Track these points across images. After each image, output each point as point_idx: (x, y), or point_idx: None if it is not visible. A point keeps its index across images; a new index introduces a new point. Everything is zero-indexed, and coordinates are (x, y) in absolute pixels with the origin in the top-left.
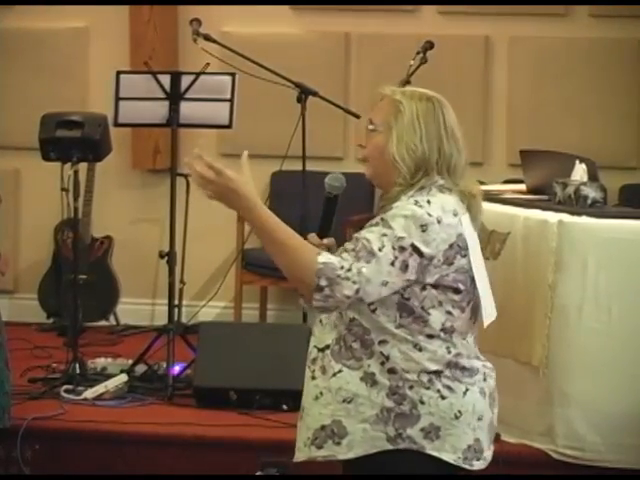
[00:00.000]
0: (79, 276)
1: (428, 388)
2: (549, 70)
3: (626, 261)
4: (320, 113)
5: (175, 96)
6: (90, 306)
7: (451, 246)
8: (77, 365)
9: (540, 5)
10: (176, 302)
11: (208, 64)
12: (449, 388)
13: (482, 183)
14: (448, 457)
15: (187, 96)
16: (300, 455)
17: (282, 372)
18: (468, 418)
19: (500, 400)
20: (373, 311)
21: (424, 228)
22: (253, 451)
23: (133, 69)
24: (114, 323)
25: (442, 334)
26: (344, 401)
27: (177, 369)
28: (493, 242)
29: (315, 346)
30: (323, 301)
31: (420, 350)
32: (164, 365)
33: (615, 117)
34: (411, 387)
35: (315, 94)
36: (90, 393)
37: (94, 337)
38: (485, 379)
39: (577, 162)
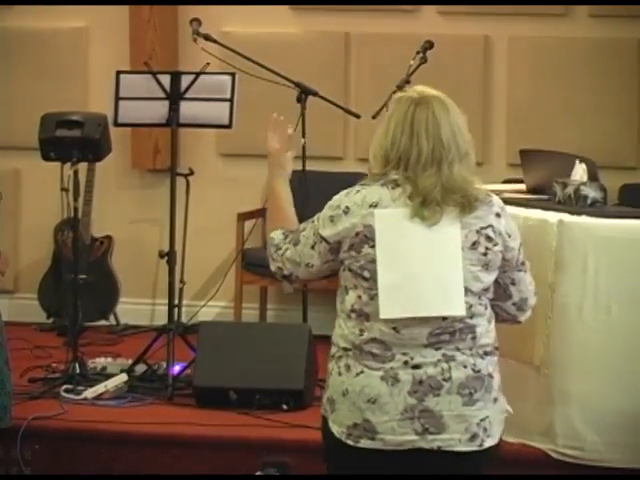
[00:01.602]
0: (79, 276)
1: (336, 363)
2: (548, 70)
3: (626, 261)
4: (320, 113)
5: (175, 96)
6: (90, 306)
7: (357, 234)
8: (77, 365)
9: (539, 5)
10: (176, 302)
11: (208, 64)
12: (347, 367)
13: (482, 183)
14: (335, 429)
15: (187, 96)
16: None
17: (282, 372)
18: (354, 397)
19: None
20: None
21: (332, 219)
22: (253, 451)
23: (133, 69)
24: (114, 323)
25: (353, 315)
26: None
27: (177, 369)
28: None
29: None
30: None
31: (340, 327)
32: (164, 365)
33: (615, 117)
34: (331, 358)
35: (315, 94)
36: (90, 393)
37: (94, 337)
38: (417, 367)
39: (577, 162)
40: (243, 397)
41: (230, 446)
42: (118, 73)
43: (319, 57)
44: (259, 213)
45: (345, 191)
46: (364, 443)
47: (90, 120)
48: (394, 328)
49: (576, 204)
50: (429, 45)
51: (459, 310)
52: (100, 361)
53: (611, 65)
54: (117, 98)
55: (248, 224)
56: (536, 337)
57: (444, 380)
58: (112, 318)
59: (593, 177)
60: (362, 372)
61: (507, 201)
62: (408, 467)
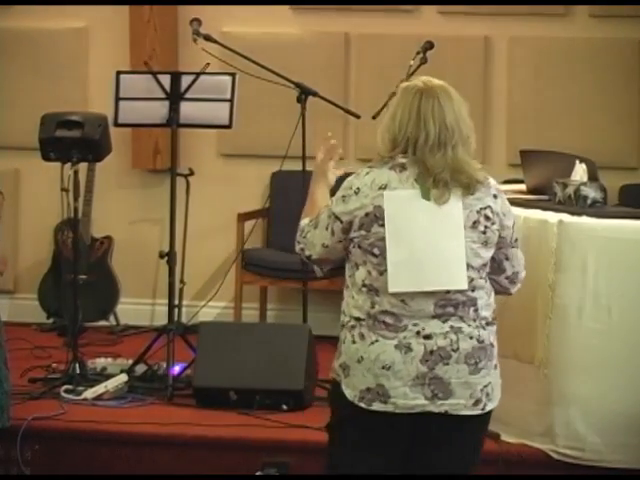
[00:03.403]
0: (79, 276)
1: (349, 331)
2: (549, 70)
3: (626, 261)
4: (320, 113)
5: (175, 96)
6: (90, 306)
7: (367, 214)
8: (77, 365)
9: (540, 5)
10: (176, 302)
11: (208, 64)
12: (361, 336)
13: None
14: (348, 393)
15: (187, 96)
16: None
17: (282, 372)
18: (368, 364)
19: (500, 400)
20: (345, 263)
21: (345, 199)
22: (253, 451)
23: (133, 69)
24: (114, 323)
25: (364, 289)
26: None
27: (177, 369)
28: None
29: None
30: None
31: (353, 298)
32: (164, 365)
33: (615, 117)
34: (342, 327)
35: (315, 94)
36: (90, 393)
37: (94, 337)
38: (428, 337)
39: (577, 162)
40: (243, 397)
41: (230, 446)
42: (118, 73)
43: (319, 57)
44: (259, 213)
45: (356, 173)
46: (377, 406)
47: (90, 120)
48: (402, 300)
49: (576, 204)
50: (429, 45)
51: (462, 284)
52: (100, 361)
53: (611, 65)
54: (117, 98)
55: (248, 224)
56: (536, 337)
57: (453, 351)
58: (112, 318)
59: (593, 177)
60: (377, 341)
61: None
62: (416, 428)
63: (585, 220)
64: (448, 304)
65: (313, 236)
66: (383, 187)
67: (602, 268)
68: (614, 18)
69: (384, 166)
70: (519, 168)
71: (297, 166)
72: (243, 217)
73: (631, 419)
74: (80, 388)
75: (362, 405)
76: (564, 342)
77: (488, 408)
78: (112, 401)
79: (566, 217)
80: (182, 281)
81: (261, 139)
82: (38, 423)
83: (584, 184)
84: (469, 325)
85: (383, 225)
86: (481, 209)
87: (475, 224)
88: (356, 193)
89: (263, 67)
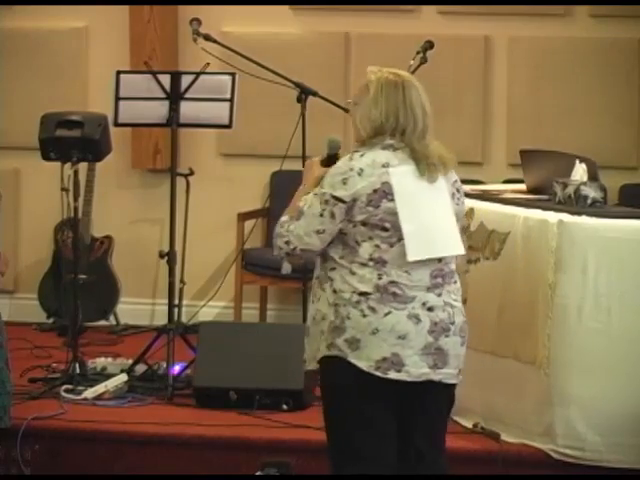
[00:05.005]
0: (79, 276)
1: (355, 307)
2: (549, 70)
3: (626, 261)
4: (320, 113)
5: (175, 96)
6: (90, 306)
7: (375, 191)
8: (77, 365)
9: (540, 5)
10: (176, 302)
11: (208, 64)
12: (372, 309)
13: (482, 183)
14: (362, 364)
15: (187, 96)
16: (310, 365)
17: (282, 372)
18: (384, 335)
19: (500, 400)
20: (328, 246)
21: (345, 180)
22: (253, 451)
23: (133, 69)
24: (114, 323)
25: (371, 263)
26: (322, 319)
27: (177, 369)
28: (493, 242)
29: (314, 276)
30: (273, 247)
31: (352, 274)
32: (164, 365)
33: (615, 117)
34: (344, 305)
35: (315, 94)
36: (90, 393)
37: (94, 337)
38: (431, 309)
39: (577, 162)
40: (243, 397)
41: (230, 446)
42: (118, 73)
43: (319, 57)
44: (259, 213)
45: (345, 158)
46: (392, 375)
47: (90, 120)
48: (406, 271)
49: (576, 204)
50: (429, 45)
51: (462, 249)
52: (100, 361)
53: (611, 65)
54: (117, 98)
55: (248, 224)
56: (536, 337)
57: (450, 324)
58: (112, 318)
59: (593, 177)
60: (390, 312)
61: (507, 201)
62: (419, 395)
63: (585, 220)
64: (439, 274)
65: (297, 227)
66: (386, 165)
67: (602, 268)
68: (614, 18)
69: (375, 147)
70: (519, 168)
71: (297, 166)
72: (243, 217)
73: (631, 419)
74: (80, 388)
75: (378, 374)
76: (564, 342)
77: (460, 378)
78: (112, 401)
79: (566, 217)
80: (182, 281)
81: (261, 139)
82: (38, 423)
83: (584, 184)
84: (456, 300)
85: (392, 200)
86: (454, 182)
87: (452, 196)
88: (359, 174)
89: (263, 67)
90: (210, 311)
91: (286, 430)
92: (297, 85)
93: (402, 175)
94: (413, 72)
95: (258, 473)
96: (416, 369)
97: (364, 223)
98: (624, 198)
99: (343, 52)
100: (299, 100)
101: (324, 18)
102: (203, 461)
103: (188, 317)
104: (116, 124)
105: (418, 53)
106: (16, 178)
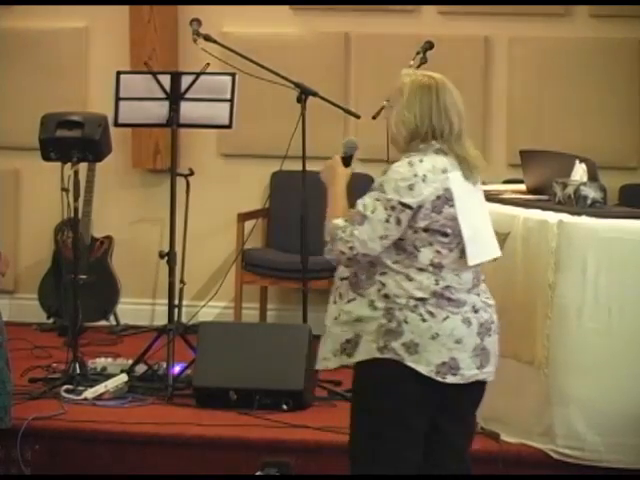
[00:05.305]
0: (79, 276)
1: (413, 311)
2: (549, 70)
3: (626, 261)
4: (320, 113)
5: (175, 96)
6: (90, 306)
7: (438, 197)
8: (77, 365)
9: (540, 5)
10: (176, 302)
11: (208, 64)
12: (431, 313)
13: (482, 183)
14: (421, 368)
15: (187, 96)
16: (330, 363)
17: (282, 372)
18: (444, 340)
19: (500, 400)
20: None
21: (411, 187)
22: (253, 451)
23: (133, 69)
24: (114, 323)
25: (430, 268)
26: (355, 320)
27: (177, 369)
28: None
29: (338, 276)
30: (327, 253)
31: (410, 280)
32: (164, 365)
33: (615, 117)
34: (400, 309)
35: (315, 94)
36: (90, 393)
37: (94, 337)
38: (477, 311)
39: (577, 162)
40: (243, 397)
41: (230, 446)
42: (118, 73)
43: (319, 57)
44: (259, 213)
45: (404, 162)
46: (450, 379)
47: (90, 120)
48: (457, 275)
49: (576, 204)
50: (429, 45)
51: (499, 252)
52: (100, 361)
53: (611, 65)
54: (117, 98)
55: (248, 224)
56: (536, 337)
57: (491, 323)
58: (112, 318)
59: (593, 177)
60: (448, 317)
61: (507, 201)
62: (462, 396)
63: (585, 220)
64: (476, 276)
65: (362, 232)
66: (445, 171)
67: (602, 268)
68: (614, 18)
69: (428, 152)
70: (519, 168)
71: (297, 166)
72: (243, 217)
73: (631, 419)
74: (80, 388)
75: (438, 379)
76: (564, 342)
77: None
78: (112, 401)
79: (566, 217)
80: (182, 281)
81: (261, 139)
82: (38, 423)
83: (584, 184)
84: (488, 298)
85: (452, 206)
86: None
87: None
88: (424, 180)
89: (263, 67)
90: (210, 311)
91: (286, 430)
92: (297, 85)
93: (458, 180)
94: None
95: (258, 473)
96: (469, 371)
97: (425, 229)
98: (624, 198)
99: (343, 52)
100: (299, 100)
101: (324, 18)
102: (203, 461)
103: (188, 317)
104: (116, 124)
105: (418, 53)
106: (16, 178)
